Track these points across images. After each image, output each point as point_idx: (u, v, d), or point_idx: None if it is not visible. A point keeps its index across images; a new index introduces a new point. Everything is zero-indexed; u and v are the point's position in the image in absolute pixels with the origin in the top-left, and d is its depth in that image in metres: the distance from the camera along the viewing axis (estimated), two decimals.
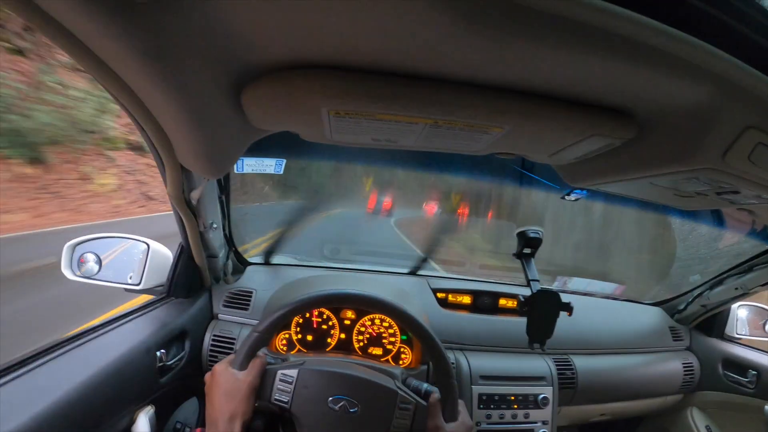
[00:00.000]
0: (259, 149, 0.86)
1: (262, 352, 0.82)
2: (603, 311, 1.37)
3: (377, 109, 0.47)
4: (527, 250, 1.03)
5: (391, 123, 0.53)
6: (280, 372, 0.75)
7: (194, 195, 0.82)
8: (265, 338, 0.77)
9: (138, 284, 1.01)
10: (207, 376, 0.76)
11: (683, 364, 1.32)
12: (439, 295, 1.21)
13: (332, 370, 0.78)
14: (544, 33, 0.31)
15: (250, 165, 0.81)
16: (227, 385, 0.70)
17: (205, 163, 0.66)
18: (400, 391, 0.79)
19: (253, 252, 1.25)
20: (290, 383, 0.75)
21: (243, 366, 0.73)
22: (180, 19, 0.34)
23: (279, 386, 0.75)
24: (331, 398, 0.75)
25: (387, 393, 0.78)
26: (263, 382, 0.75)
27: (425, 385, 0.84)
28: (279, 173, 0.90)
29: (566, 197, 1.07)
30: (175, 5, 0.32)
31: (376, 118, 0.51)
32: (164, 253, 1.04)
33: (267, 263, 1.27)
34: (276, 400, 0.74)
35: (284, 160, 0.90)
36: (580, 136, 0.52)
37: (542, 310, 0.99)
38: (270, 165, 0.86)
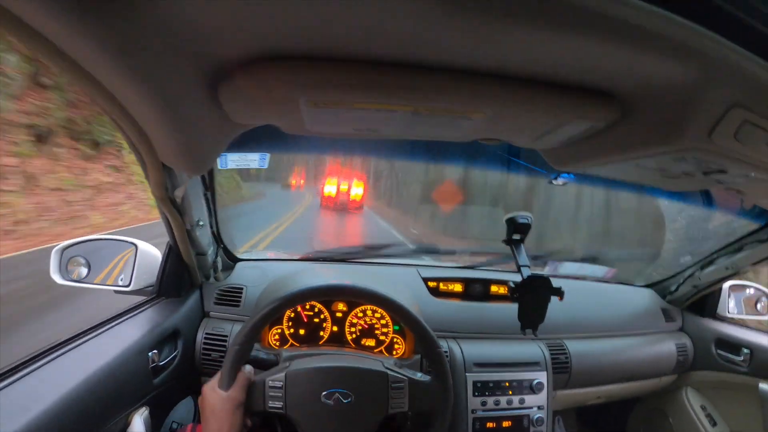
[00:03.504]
0: (242, 144, 0.85)
1: (254, 354, 0.83)
2: (595, 295, 1.37)
3: (355, 98, 0.47)
4: (517, 236, 1.03)
5: (371, 112, 0.53)
6: (268, 380, 0.76)
7: (178, 193, 0.82)
8: (245, 350, 0.77)
9: (128, 286, 1.00)
10: (199, 399, 0.78)
11: (676, 344, 1.33)
12: (430, 284, 1.21)
13: (319, 365, 0.79)
14: (522, 14, 0.31)
15: (233, 160, 0.81)
16: (214, 405, 0.73)
17: (186, 160, 0.66)
18: (389, 372, 0.80)
19: (243, 248, 1.25)
20: (280, 388, 0.76)
21: (228, 384, 0.74)
22: (149, 14, 0.33)
23: (270, 393, 0.76)
24: (323, 393, 0.76)
25: (377, 376, 0.79)
26: (254, 394, 0.76)
27: (419, 375, 0.84)
28: (263, 168, 0.90)
29: (553, 181, 1.07)
30: (146, 3, 0.32)
31: (355, 107, 0.51)
32: (153, 253, 1.03)
33: (257, 259, 1.27)
34: (271, 407, 0.75)
35: (268, 155, 0.89)
36: (563, 120, 0.52)
37: (533, 296, 0.99)
38: (254, 160, 0.86)
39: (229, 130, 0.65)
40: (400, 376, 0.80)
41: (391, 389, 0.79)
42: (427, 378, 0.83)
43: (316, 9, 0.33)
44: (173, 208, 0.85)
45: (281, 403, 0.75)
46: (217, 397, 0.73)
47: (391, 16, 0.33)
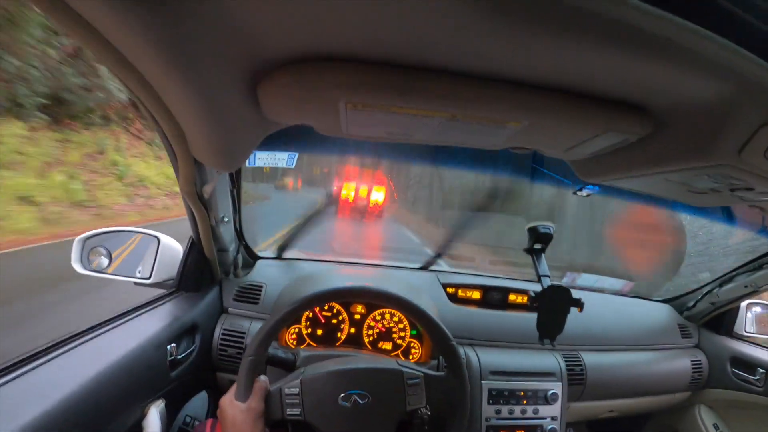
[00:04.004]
0: (270, 142, 0.86)
1: (272, 353, 0.82)
2: (612, 308, 1.36)
3: (395, 102, 0.47)
4: (538, 246, 1.02)
5: (408, 116, 0.53)
6: (284, 388, 0.76)
7: (207, 189, 0.82)
8: (259, 359, 0.77)
9: (148, 278, 1.01)
10: (218, 412, 0.78)
11: (692, 361, 1.31)
12: (449, 290, 1.21)
13: (333, 369, 0.79)
14: (566, 27, 0.31)
15: (262, 159, 0.81)
16: (234, 417, 0.73)
17: (219, 156, 0.66)
18: (404, 369, 0.80)
19: (263, 245, 1.25)
20: (297, 395, 0.76)
21: (245, 395, 0.74)
22: (198, 11, 0.34)
23: (288, 401, 0.76)
24: (340, 396, 0.76)
25: (392, 374, 0.79)
26: (271, 403, 0.76)
27: (434, 372, 0.84)
28: (291, 167, 0.90)
29: (578, 192, 1.07)
30: (198, 1, 0.32)
31: (393, 111, 0.51)
32: (174, 247, 1.04)
33: (277, 257, 1.27)
34: (289, 415, 0.75)
35: (297, 154, 0.90)
36: (596, 132, 0.52)
37: (553, 306, 0.98)
38: (282, 159, 0.86)
39: (263, 129, 0.65)
40: (415, 372, 0.80)
41: (408, 386, 0.79)
42: (442, 374, 0.83)
43: (361, 12, 0.33)
44: (200, 203, 0.85)
45: (299, 410, 0.75)
46: (236, 409, 0.73)
47: (440, 23, 0.33)
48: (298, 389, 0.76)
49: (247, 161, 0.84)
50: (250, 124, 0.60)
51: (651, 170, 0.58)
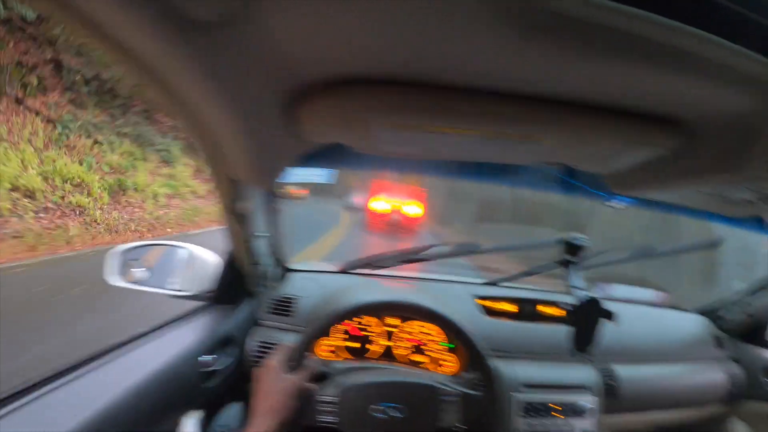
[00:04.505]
0: (306, 158, 0.87)
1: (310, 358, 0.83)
2: (645, 319, 1.34)
3: (430, 121, 0.48)
4: (570, 258, 1.02)
5: (442, 135, 0.54)
6: (320, 395, 0.77)
7: (244, 205, 0.83)
8: (311, 343, 0.79)
9: (183, 291, 1.02)
10: (258, 370, 0.79)
11: (726, 373, 1.28)
12: (482, 302, 1.20)
13: (371, 380, 0.80)
14: (599, 46, 0.32)
15: (299, 175, 0.82)
16: (273, 382, 0.74)
17: (256, 174, 0.68)
18: (440, 386, 0.80)
19: (294, 259, 1.26)
20: (332, 403, 0.77)
21: (292, 367, 0.76)
22: (240, 37, 0.35)
23: (322, 408, 0.77)
24: (375, 408, 0.77)
25: (428, 390, 0.80)
26: (305, 408, 0.76)
27: (469, 390, 0.84)
28: (329, 183, 0.90)
29: (610, 204, 1.05)
30: (236, 25, 0.33)
31: (428, 130, 0.52)
32: (209, 260, 1.05)
33: (309, 270, 1.28)
34: (322, 422, 0.76)
35: (333, 170, 0.90)
36: (628, 146, 0.53)
37: (586, 318, 0.97)
38: (319, 175, 0.87)
39: (299, 147, 0.67)
40: (451, 389, 0.80)
41: (443, 403, 0.79)
42: (478, 393, 0.83)
43: (398, 38, 0.34)
44: (237, 218, 0.86)
45: (334, 418, 0.76)
46: (279, 375, 0.75)
47: (471, 45, 0.34)
48: (333, 398, 0.77)
49: (284, 178, 0.85)
50: (288, 143, 0.61)
51: (684, 182, 0.58)
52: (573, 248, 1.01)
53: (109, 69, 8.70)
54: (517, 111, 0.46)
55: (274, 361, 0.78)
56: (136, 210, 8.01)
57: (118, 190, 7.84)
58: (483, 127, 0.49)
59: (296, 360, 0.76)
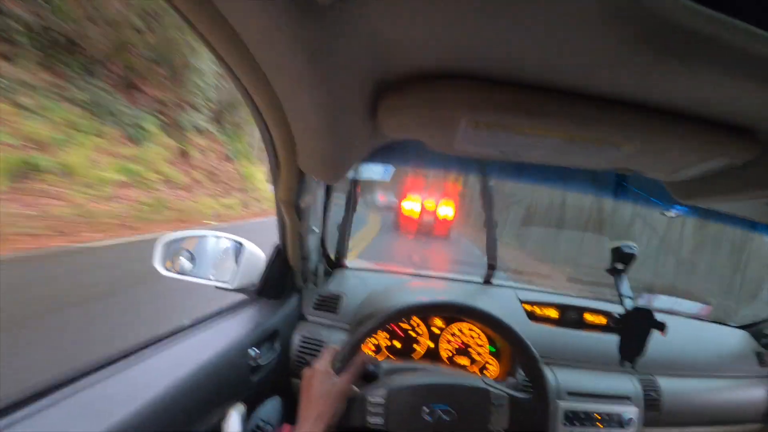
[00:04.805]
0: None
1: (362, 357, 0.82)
2: (688, 332, 1.32)
3: (517, 121, 0.47)
4: (620, 266, 1.00)
5: (525, 136, 0.53)
6: (368, 396, 0.76)
7: (306, 199, 0.83)
8: (362, 342, 0.78)
9: (230, 283, 1.02)
10: (306, 371, 0.78)
11: (767, 391, 1.26)
12: (527, 307, 1.19)
13: (420, 382, 0.79)
14: (689, 53, 0.32)
15: (357, 171, 0.81)
16: (321, 386, 0.73)
17: (326, 168, 0.67)
18: (490, 388, 0.79)
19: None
20: (381, 405, 0.76)
21: (340, 369, 0.75)
22: (343, 21, 0.34)
23: (371, 410, 0.76)
24: (424, 410, 0.76)
25: (478, 393, 0.79)
26: (353, 409, 0.76)
27: (520, 394, 0.83)
28: (386, 180, 0.90)
29: (666, 213, 1.04)
30: (345, 10, 0.33)
31: (512, 130, 0.51)
32: (257, 254, 1.05)
33: (355, 268, 1.27)
34: (371, 423, 0.75)
35: (392, 167, 0.89)
36: (704, 156, 0.52)
37: (635, 328, 0.96)
38: (378, 171, 0.86)
39: (373, 142, 0.65)
40: (501, 393, 0.79)
41: (493, 406, 0.78)
42: (528, 397, 0.82)
43: (495, 33, 0.34)
44: (295, 212, 0.86)
45: (382, 419, 0.76)
46: (327, 379, 0.73)
47: (567, 46, 0.34)
48: (382, 399, 0.76)
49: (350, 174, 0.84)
50: (363, 137, 0.60)
51: (753, 194, 0.57)
52: (623, 256, 0.99)
53: (74, 22, 7.05)
54: (601, 114, 0.45)
55: (322, 363, 0.76)
56: (53, 202, 5.61)
57: (26, 172, 5.46)
58: (567, 129, 0.48)
59: (344, 362, 0.75)
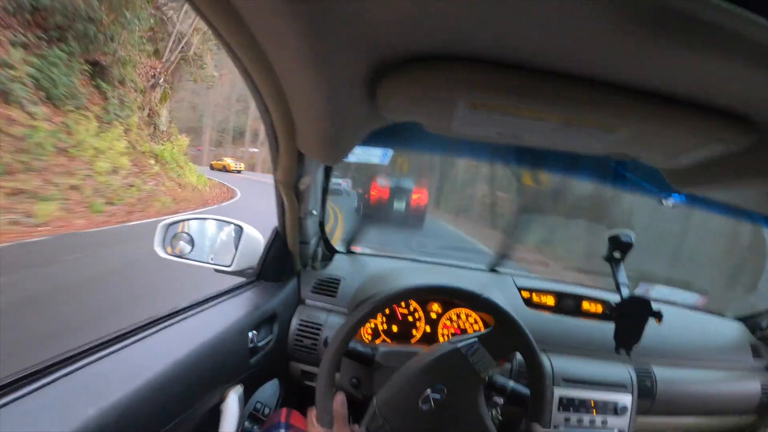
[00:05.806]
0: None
1: (352, 347, 0.84)
2: (684, 322, 1.33)
3: (513, 103, 0.47)
4: (617, 255, 1.01)
5: (523, 119, 0.53)
6: (370, 427, 0.75)
7: (304, 181, 0.83)
8: (331, 376, 0.77)
9: (229, 266, 1.03)
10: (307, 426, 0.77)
11: (762, 383, 1.26)
12: (524, 293, 1.20)
13: (403, 383, 0.77)
14: (689, 38, 0.32)
15: (356, 154, 0.81)
16: None
17: (325, 149, 0.67)
18: (458, 344, 0.78)
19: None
20: (382, 427, 0.74)
21: (330, 421, 0.73)
22: (343, 4, 0.34)
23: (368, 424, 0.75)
24: (419, 403, 0.75)
25: (451, 356, 0.77)
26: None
27: (511, 383, 0.83)
28: (384, 164, 0.90)
29: (664, 202, 1.04)
30: None
31: (510, 112, 0.51)
32: (256, 237, 1.06)
33: (354, 252, 1.28)
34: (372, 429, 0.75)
35: (390, 151, 0.89)
36: (700, 141, 0.52)
37: (631, 316, 0.97)
38: (376, 155, 0.86)
39: (372, 124, 0.66)
40: (469, 340, 0.78)
41: (471, 356, 0.77)
42: (526, 390, 0.82)
43: (495, 14, 0.34)
44: (294, 195, 0.86)
45: (382, 427, 0.74)
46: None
47: (566, 27, 0.34)
48: (380, 421, 0.74)
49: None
50: (362, 119, 0.61)
51: (750, 182, 0.57)
52: (621, 245, 1.00)
53: None
54: (601, 98, 0.45)
55: (312, 425, 0.75)
56: None
57: None
58: (564, 112, 0.48)
59: (327, 411, 0.74)
